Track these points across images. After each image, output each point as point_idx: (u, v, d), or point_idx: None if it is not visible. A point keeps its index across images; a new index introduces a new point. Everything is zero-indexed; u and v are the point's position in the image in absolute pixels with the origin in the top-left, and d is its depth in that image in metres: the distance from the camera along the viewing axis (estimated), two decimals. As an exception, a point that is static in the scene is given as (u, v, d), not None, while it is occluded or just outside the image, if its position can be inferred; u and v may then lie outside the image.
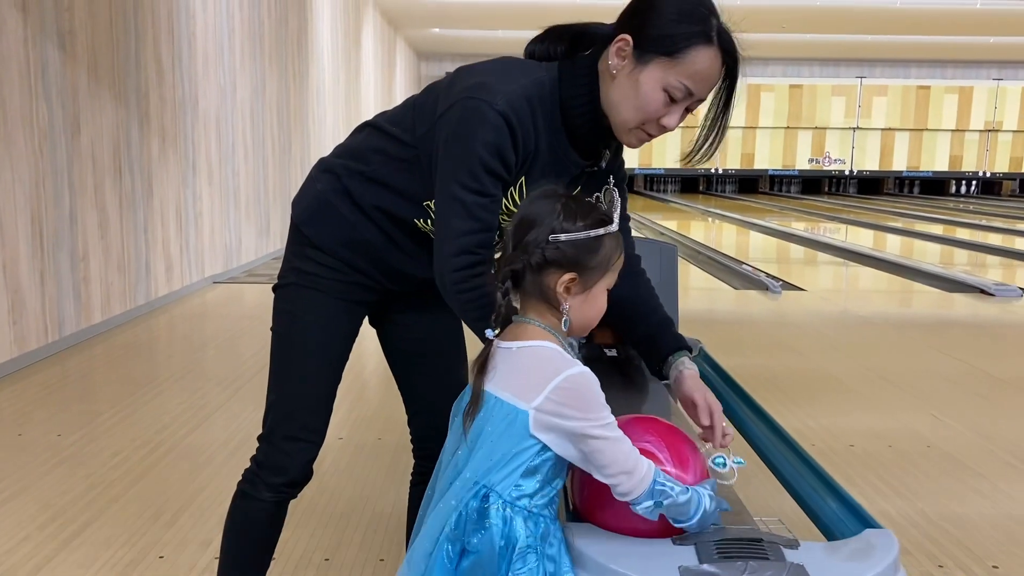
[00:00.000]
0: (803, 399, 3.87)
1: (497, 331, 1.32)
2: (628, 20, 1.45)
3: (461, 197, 1.44)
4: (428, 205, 1.56)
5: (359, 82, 12.85)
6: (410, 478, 1.87)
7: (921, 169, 22.45)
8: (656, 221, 14.83)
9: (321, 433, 1.69)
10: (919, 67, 22.28)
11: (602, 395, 1.27)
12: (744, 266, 8.46)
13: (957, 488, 2.92)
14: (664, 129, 1.48)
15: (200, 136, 6.36)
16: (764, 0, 14.48)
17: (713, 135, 1.54)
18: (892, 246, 11.35)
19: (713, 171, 22.60)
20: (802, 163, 22.38)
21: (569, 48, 1.54)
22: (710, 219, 15.77)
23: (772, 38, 18.57)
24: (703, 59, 1.41)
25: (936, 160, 22.32)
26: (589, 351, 2.86)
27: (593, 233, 1.29)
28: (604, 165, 1.64)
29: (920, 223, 14.29)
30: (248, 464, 1.69)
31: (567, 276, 1.29)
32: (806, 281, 7.59)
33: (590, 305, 1.34)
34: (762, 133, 22.21)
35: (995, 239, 11.80)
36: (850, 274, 8.61)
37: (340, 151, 1.68)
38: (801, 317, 5.84)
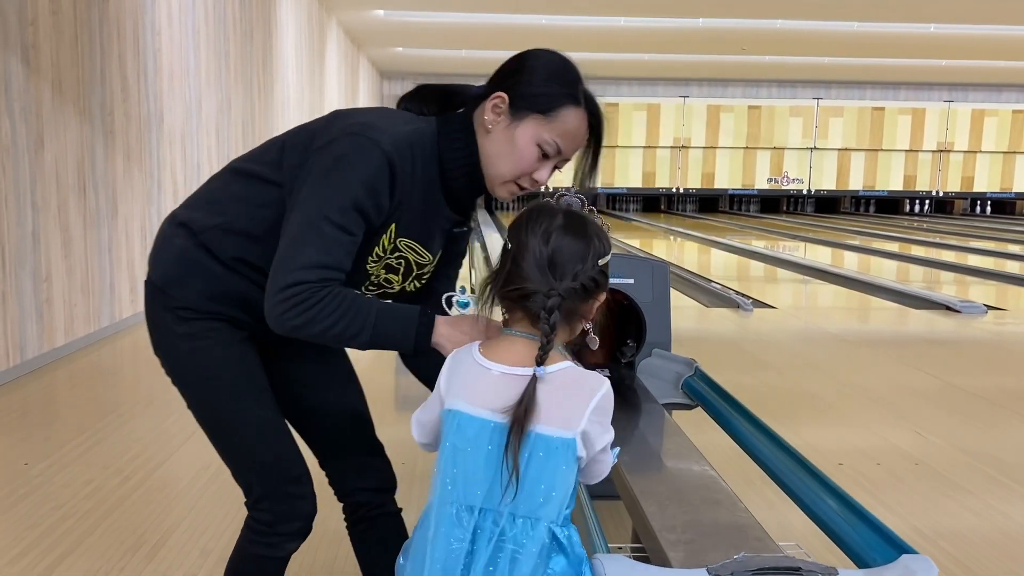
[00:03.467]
0: (786, 417, 3.85)
1: (544, 366, 1.25)
2: (503, 79, 1.52)
3: (322, 228, 1.41)
4: None
5: (323, 99, 12.74)
6: (345, 524, 1.76)
7: (876, 188, 22.89)
8: (619, 239, 14.90)
9: (302, 457, 1.63)
10: (873, 89, 22.77)
11: None
12: (713, 284, 8.50)
13: (949, 505, 2.92)
14: (535, 183, 1.56)
15: (166, 153, 6.22)
16: (725, 23, 14.70)
17: (584, 183, 1.61)
18: (858, 264, 11.49)
19: (674, 190, 22.82)
20: (761, 183, 22.68)
21: (440, 107, 1.59)
22: (672, 237, 15.89)
23: (732, 60, 18.85)
24: (572, 119, 1.51)
25: (891, 180, 22.78)
26: (581, 371, 2.81)
27: (608, 257, 1.34)
28: (473, 226, 1.69)
29: (879, 241, 14.53)
30: (251, 528, 1.60)
31: (602, 296, 1.32)
32: (774, 298, 7.64)
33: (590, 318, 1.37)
34: (722, 153, 22.49)
35: (949, 256, 12.04)
36: (816, 291, 8.70)
37: (193, 202, 1.60)
38: (774, 334, 5.86)
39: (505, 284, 1.29)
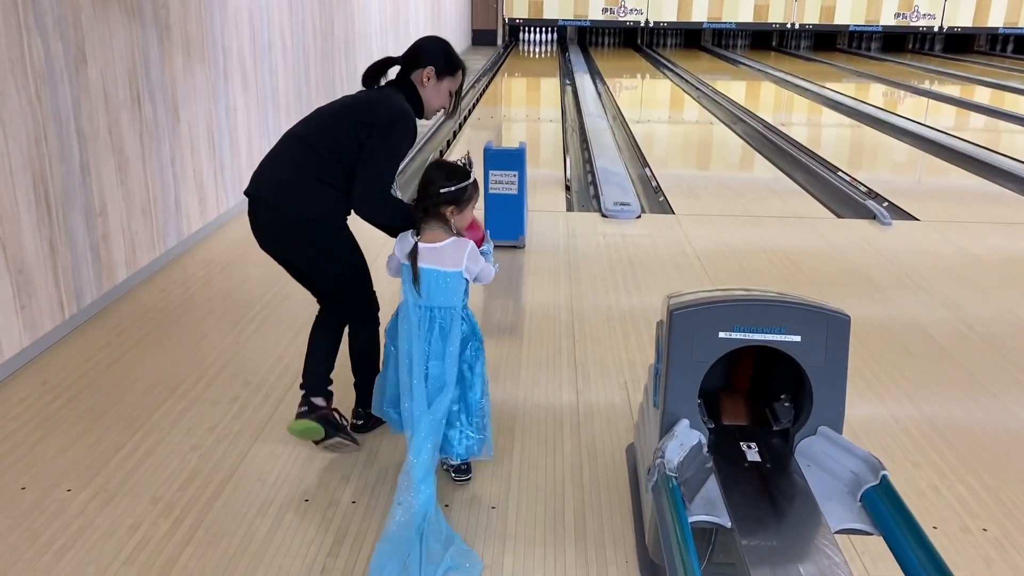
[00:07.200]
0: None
1: (418, 236, 2.58)
2: (428, 58, 2.81)
3: (392, 164, 2.67)
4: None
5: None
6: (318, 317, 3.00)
7: (1021, 25, 20.42)
8: (720, 89, 13.67)
9: None
10: (1030, -93, 19.88)
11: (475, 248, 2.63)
12: (840, 174, 7.56)
13: None
14: (443, 108, 2.90)
15: (231, 37, 5.56)
16: None
17: (457, 108, 2.95)
18: (1009, 143, 10.20)
19: (788, 26, 20.85)
20: (887, 18, 20.51)
21: (381, 77, 2.86)
22: (784, 90, 14.49)
23: None
24: (459, 75, 2.89)
25: (1038, 15, 20.29)
26: (721, 443, 2.22)
27: (461, 185, 2.57)
28: None
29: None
30: (370, 322, 2.92)
31: (451, 208, 2.56)
32: (911, 200, 6.70)
33: (464, 217, 2.62)
34: (845, -16, 20.27)
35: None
36: (962, 187, 7.65)
37: (322, 174, 2.68)
38: (924, 268, 5.05)
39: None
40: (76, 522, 2.52)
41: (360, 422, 3.02)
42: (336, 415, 2.90)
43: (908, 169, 8.57)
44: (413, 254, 2.53)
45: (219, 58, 5.37)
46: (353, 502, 2.64)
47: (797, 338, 2.09)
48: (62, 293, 3.76)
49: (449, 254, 2.54)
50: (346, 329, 2.96)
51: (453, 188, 2.53)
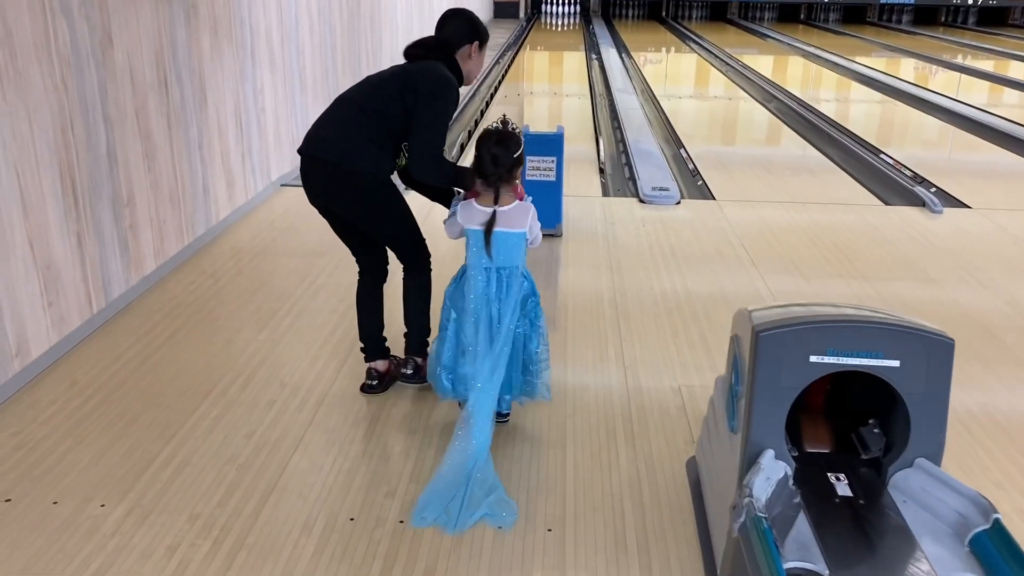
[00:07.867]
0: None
1: (496, 204, 2.76)
2: (469, 34, 3.03)
3: (442, 126, 2.90)
4: (403, 146, 2.96)
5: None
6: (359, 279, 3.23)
7: (1057, -2, 19.87)
8: (749, 64, 13.34)
9: None
10: None
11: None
12: (882, 156, 7.31)
13: None
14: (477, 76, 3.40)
15: (259, 15, 5.37)
16: None
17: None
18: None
19: (817, -2, 20.37)
20: (920, -10, 19.97)
21: (428, 52, 3.03)
22: (813, 64, 14.12)
23: None
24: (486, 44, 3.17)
25: (1076, -13, 19.70)
26: (807, 474, 2.05)
27: (522, 149, 2.79)
28: None
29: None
30: (423, 272, 3.12)
31: (517, 170, 2.79)
32: (959, 183, 6.45)
33: (518, 176, 2.84)
34: (877, -46, 19.76)
35: None
36: (1008, 167, 7.38)
37: (370, 134, 2.89)
38: (985, 257, 4.83)
39: (479, 174, 2.76)
40: (111, 542, 2.39)
41: (410, 371, 3.18)
42: (396, 366, 3.25)
43: (948, 149, 8.29)
44: (491, 221, 2.72)
45: (246, 38, 5.19)
46: (400, 522, 2.50)
47: (895, 363, 1.91)
48: (90, 287, 3.62)
49: (516, 216, 2.77)
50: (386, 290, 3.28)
51: (518, 154, 2.77)
